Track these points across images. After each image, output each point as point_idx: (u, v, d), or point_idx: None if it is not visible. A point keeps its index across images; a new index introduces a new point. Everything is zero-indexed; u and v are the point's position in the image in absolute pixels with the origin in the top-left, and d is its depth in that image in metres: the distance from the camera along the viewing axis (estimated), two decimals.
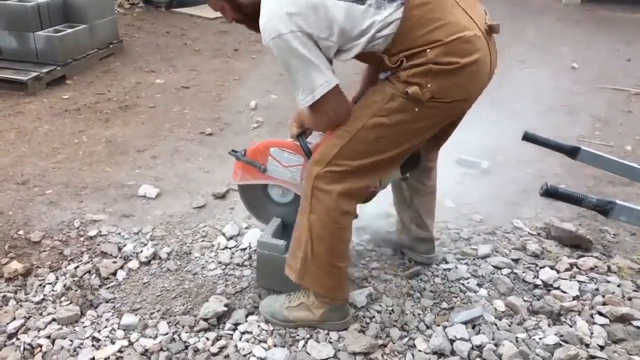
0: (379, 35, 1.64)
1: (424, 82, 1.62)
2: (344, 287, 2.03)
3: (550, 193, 1.67)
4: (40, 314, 2.16)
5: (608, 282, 2.34)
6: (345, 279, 2.03)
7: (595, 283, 2.34)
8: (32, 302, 2.23)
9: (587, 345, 1.98)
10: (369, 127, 1.73)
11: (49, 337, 2.04)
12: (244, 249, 2.51)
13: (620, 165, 2.11)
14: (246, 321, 2.09)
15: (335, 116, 1.75)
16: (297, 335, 2.03)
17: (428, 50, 1.60)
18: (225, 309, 2.11)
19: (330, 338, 2.01)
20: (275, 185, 2.22)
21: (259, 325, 2.06)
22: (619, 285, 2.32)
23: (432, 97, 1.64)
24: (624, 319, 2.09)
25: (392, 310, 2.14)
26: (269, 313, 2.08)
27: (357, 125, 1.75)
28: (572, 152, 2.16)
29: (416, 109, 1.67)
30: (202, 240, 2.58)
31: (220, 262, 2.42)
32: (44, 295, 2.27)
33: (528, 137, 2.22)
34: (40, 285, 2.33)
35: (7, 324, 2.11)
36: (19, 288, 2.32)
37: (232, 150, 2.20)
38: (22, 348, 2.00)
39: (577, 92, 4.96)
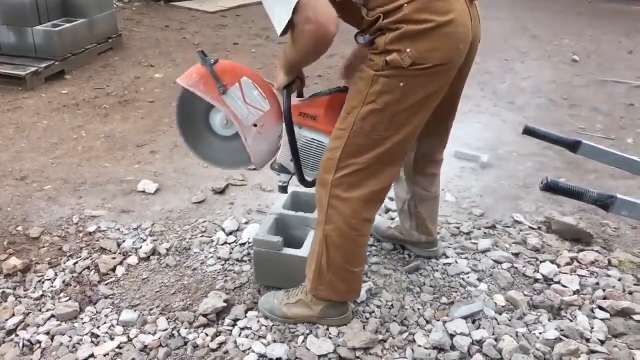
0: None
1: (402, 47, 1.57)
2: (358, 289, 2.02)
3: (551, 187, 1.67)
4: (39, 310, 2.16)
5: (609, 276, 2.33)
6: (359, 282, 2.01)
7: (595, 277, 2.34)
8: (31, 298, 2.23)
9: (588, 340, 1.97)
10: (362, 118, 1.69)
11: (47, 333, 2.04)
12: (243, 244, 2.50)
13: (621, 158, 2.10)
14: (245, 317, 2.08)
15: (320, 18, 1.49)
16: (297, 330, 2.02)
17: (405, 4, 1.54)
18: (225, 304, 2.10)
19: (330, 333, 2.00)
20: (221, 111, 1.96)
21: (258, 321, 2.05)
22: (619, 279, 2.31)
23: (413, 62, 1.57)
24: (625, 313, 2.08)
25: (392, 305, 2.13)
26: (268, 309, 2.08)
27: (351, 119, 1.71)
28: (573, 145, 2.15)
29: (401, 84, 1.61)
30: (202, 236, 2.57)
31: (219, 258, 2.41)
32: (42, 291, 2.26)
33: (529, 131, 2.21)
34: (39, 281, 2.32)
35: (6, 320, 2.11)
36: (18, 284, 2.31)
37: (202, 52, 1.91)
38: (21, 344, 2.00)
39: (578, 85, 4.94)
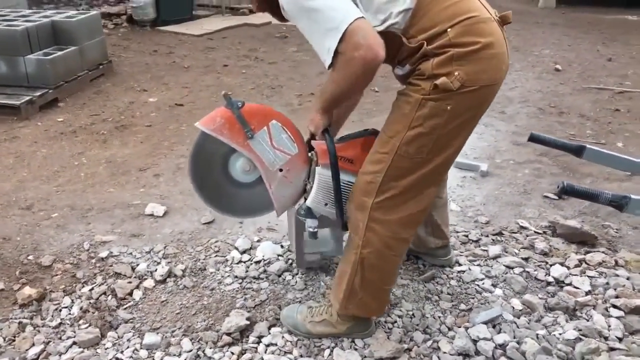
0: (396, 10, 1.60)
1: (451, 70, 1.58)
2: (385, 305, 2.06)
3: (567, 191, 1.73)
4: (60, 338, 2.15)
5: (617, 275, 2.40)
6: (389, 297, 2.06)
7: (605, 277, 2.40)
8: (50, 326, 2.21)
9: (606, 338, 2.03)
10: (407, 142, 1.68)
11: None
12: (259, 262, 2.52)
13: (626, 161, 2.18)
14: (269, 333, 2.10)
15: (369, 42, 1.51)
16: (322, 344, 2.04)
17: (449, 29, 1.57)
18: (248, 322, 2.12)
19: (356, 345, 2.03)
20: (243, 157, 1.89)
21: (283, 337, 2.07)
22: (628, 278, 2.38)
23: (462, 85, 1.59)
24: (639, 311, 2.14)
25: (413, 314, 2.17)
26: (292, 325, 2.10)
27: (394, 142, 1.70)
28: (578, 150, 2.22)
29: (448, 107, 1.62)
30: (216, 256, 2.59)
31: (236, 276, 2.43)
32: (61, 319, 2.25)
33: (534, 138, 2.28)
34: (56, 309, 2.31)
35: (27, 350, 2.09)
36: (35, 313, 2.29)
37: (228, 95, 1.84)
38: None
39: (563, 93, 5.08)
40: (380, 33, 1.58)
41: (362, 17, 1.55)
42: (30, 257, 2.60)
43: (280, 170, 1.88)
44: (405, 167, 1.72)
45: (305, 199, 1.95)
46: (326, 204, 1.88)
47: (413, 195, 1.77)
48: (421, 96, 1.64)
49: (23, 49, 4.68)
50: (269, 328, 2.12)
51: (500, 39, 1.67)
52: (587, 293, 2.30)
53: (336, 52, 1.54)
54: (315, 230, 1.94)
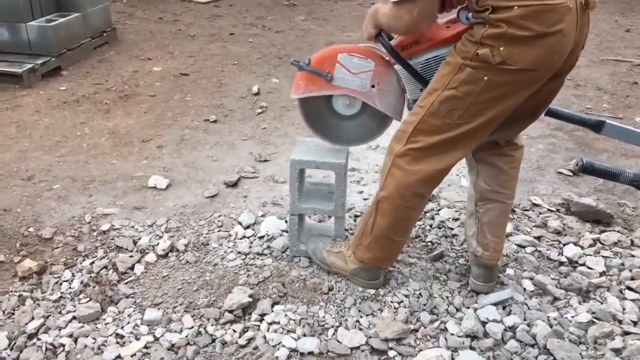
0: None
1: (497, 45, 1.59)
2: (394, 259, 2.15)
3: (587, 169, 1.64)
4: (60, 313, 2.11)
5: (633, 256, 2.32)
6: (398, 252, 2.12)
7: (620, 258, 2.32)
8: (50, 300, 2.18)
9: (620, 322, 1.96)
10: (441, 100, 1.73)
11: (71, 335, 1.99)
12: (262, 237, 2.46)
13: None
14: (272, 311, 2.05)
15: (419, 17, 1.67)
16: (326, 323, 1.99)
17: (516, 7, 1.54)
18: (250, 299, 2.07)
19: (361, 325, 1.98)
20: (341, 95, 2.09)
21: (286, 315, 2.02)
22: None
23: (502, 61, 1.60)
24: None
25: (420, 294, 2.11)
26: (312, 249, 2.24)
27: (430, 99, 1.76)
28: (597, 126, 2.12)
29: (485, 78, 1.64)
30: (219, 231, 2.53)
31: (239, 252, 2.37)
32: (61, 293, 2.21)
33: (551, 112, 2.18)
34: (56, 282, 2.26)
35: (26, 324, 2.05)
36: (35, 287, 2.25)
37: (295, 60, 2.07)
38: (44, 348, 1.95)
39: (580, 65, 4.90)
40: None
41: None
42: (31, 229, 2.56)
43: (373, 86, 2.03)
44: (436, 125, 1.77)
45: None
46: (420, 89, 1.95)
47: (437, 153, 1.81)
48: (462, 61, 1.67)
49: (25, 16, 4.57)
50: (272, 306, 2.07)
51: (568, 29, 1.59)
52: (601, 274, 2.22)
53: (402, 2, 1.66)
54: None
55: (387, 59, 2.01)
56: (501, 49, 1.58)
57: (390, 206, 1.91)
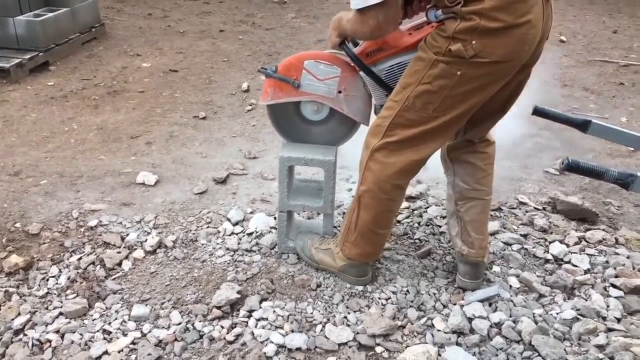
0: None
1: (469, 39, 1.61)
2: (380, 251, 2.18)
3: (572, 167, 1.66)
4: (46, 308, 2.10)
5: (617, 254, 2.36)
6: (383, 244, 2.15)
7: (604, 256, 2.35)
8: (36, 296, 2.16)
9: (604, 318, 1.99)
10: (416, 95, 1.75)
11: (57, 331, 1.98)
12: (251, 234, 2.46)
13: (632, 137, 2.11)
14: (260, 307, 2.05)
15: (384, 21, 1.68)
16: (314, 319, 2.00)
17: None
18: (238, 296, 2.07)
19: (348, 321, 1.99)
20: (308, 101, 2.13)
21: (274, 311, 2.03)
22: (628, 257, 2.33)
23: (475, 54, 1.62)
24: (638, 291, 2.10)
25: (408, 290, 2.12)
26: (300, 247, 2.25)
27: (405, 94, 1.78)
28: (583, 125, 2.15)
29: (458, 73, 1.66)
30: (207, 227, 2.52)
31: (228, 249, 2.37)
32: (48, 288, 2.20)
33: (538, 112, 2.21)
34: (43, 278, 2.26)
35: (12, 319, 2.04)
36: (21, 282, 2.24)
37: (262, 68, 2.10)
38: (30, 344, 1.94)
39: (567, 65, 4.97)
40: None
41: None
42: (18, 225, 2.54)
43: (339, 92, 2.08)
44: (411, 119, 1.80)
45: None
46: (386, 95, 1.99)
47: (413, 144, 1.84)
48: (434, 56, 1.69)
49: (13, 10, 4.52)
50: (260, 302, 2.08)
51: (537, 19, 1.63)
52: (586, 272, 2.25)
53: (364, 8, 1.66)
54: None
55: (353, 65, 2.03)
56: (473, 42, 1.60)
57: (372, 200, 1.94)
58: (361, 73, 2.03)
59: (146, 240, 2.42)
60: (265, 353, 1.86)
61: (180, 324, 1.99)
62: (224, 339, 1.93)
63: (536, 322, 1.95)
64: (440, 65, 1.68)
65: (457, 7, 1.61)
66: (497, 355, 1.86)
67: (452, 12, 1.63)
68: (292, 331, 1.95)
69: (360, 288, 2.13)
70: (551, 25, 1.77)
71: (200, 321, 2.00)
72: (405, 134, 1.82)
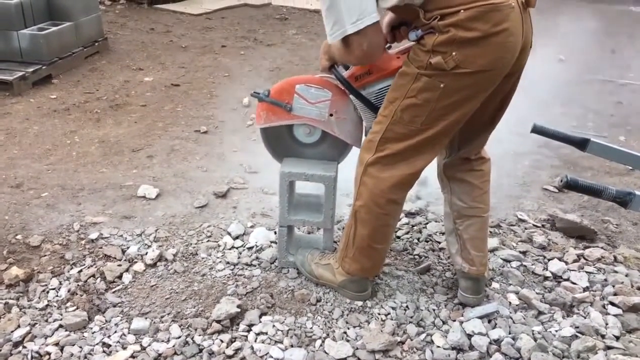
0: None
1: (449, 50, 1.63)
2: (380, 266, 2.18)
3: (570, 185, 1.67)
4: (46, 321, 2.10)
5: (616, 272, 2.36)
6: (382, 259, 2.15)
7: (603, 273, 2.36)
8: (36, 308, 2.16)
9: (603, 336, 1.99)
10: (402, 109, 1.78)
11: (57, 344, 1.98)
12: (251, 248, 2.47)
13: (630, 156, 2.12)
14: (260, 322, 2.05)
15: (369, 49, 1.69)
16: (313, 334, 2.00)
17: (462, 10, 1.58)
18: (238, 310, 2.07)
19: (348, 337, 1.99)
20: (301, 124, 2.18)
21: (273, 326, 2.03)
22: (626, 275, 2.34)
23: (456, 65, 1.64)
24: (636, 309, 2.10)
25: (407, 306, 2.13)
26: (300, 262, 2.26)
27: (392, 108, 1.81)
28: (582, 143, 2.17)
29: (441, 85, 1.69)
30: (208, 241, 2.53)
31: (228, 262, 2.38)
32: (48, 301, 2.20)
33: (537, 130, 2.23)
34: (43, 290, 2.26)
35: (12, 332, 2.04)
36: (21, 294, 2.24)
37: (255, 92, 2.14)
38: (29, 356, 1.94)
39: (566, 84, 5.00)
40: (403, 6, 1.67)
41: (378, 20, 1.66)
42: (19, 237, 2.54)
43: (331, 115, 2.11)
44: (401, 132, 1.82)
45: None
46: (374, 117, 2.00)
47: (406, 158, 1.86)
48: (417, 70, 1.72)
49: (17, 24, 4.57)
50: (260, 316, 2.08)
51: (515, 27, 1.65)
52: (584, 289, 2.26)
53: (349, 36, 1.67)
54: None
55: (343, 88, 2.07)
56: (453, 53, 1.63)
57: (368, 215, 1.96)
58: (351, 96, 2.06)
59: (147, 254, 2.43)
60: None
61: (179, 337, 1.99)
62: (224, 353, 1.93)
63: (535, 339, 1.95)
64: (424, 78, 1.71)
65: (434, 22, 1.63)
66: None
67: (430, 27, 1.66)
68: (292, 346, 1.95)
69: (360, 303, 2.13)
70: (531, 33, 1.78)
71: (199, 335, 2.00)
72: (396, 148, 1.85)
